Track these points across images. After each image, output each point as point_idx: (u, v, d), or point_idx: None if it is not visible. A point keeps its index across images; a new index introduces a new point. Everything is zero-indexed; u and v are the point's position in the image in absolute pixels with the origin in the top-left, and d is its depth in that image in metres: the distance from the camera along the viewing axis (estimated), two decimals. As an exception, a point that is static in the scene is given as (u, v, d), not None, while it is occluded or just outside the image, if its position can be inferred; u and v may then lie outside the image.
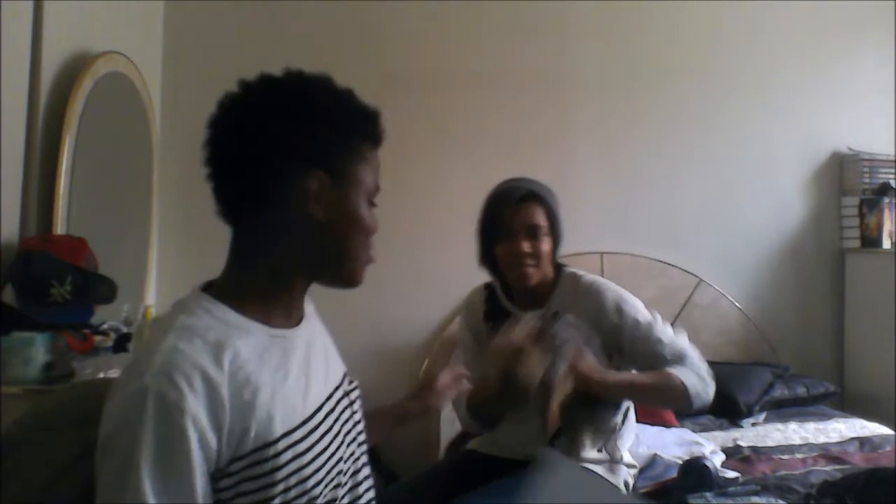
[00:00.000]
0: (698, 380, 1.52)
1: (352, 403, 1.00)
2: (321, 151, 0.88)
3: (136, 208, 2.56)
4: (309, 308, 1.02)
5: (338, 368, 1.03)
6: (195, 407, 0.74)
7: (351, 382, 1.04)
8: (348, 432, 0.96)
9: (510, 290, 1.74)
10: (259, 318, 0.87)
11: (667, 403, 1.63)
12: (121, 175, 2.41)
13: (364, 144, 0.92)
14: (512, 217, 1.64)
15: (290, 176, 0.86)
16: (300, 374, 0.89)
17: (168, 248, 2.76)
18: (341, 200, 0.89)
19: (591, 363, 1.49)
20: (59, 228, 1.88)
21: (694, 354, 1.58)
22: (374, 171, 0.93)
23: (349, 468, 0.95)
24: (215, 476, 0.77)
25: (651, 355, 1.57)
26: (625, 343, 1.59)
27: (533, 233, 1.63)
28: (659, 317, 1.63)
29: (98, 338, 1.76)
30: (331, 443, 0.89)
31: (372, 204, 0.94)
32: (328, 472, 0.87)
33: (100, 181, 2.19)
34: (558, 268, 1.71)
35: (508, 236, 1.64)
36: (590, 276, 1.67)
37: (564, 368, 1.43)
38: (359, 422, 1.01)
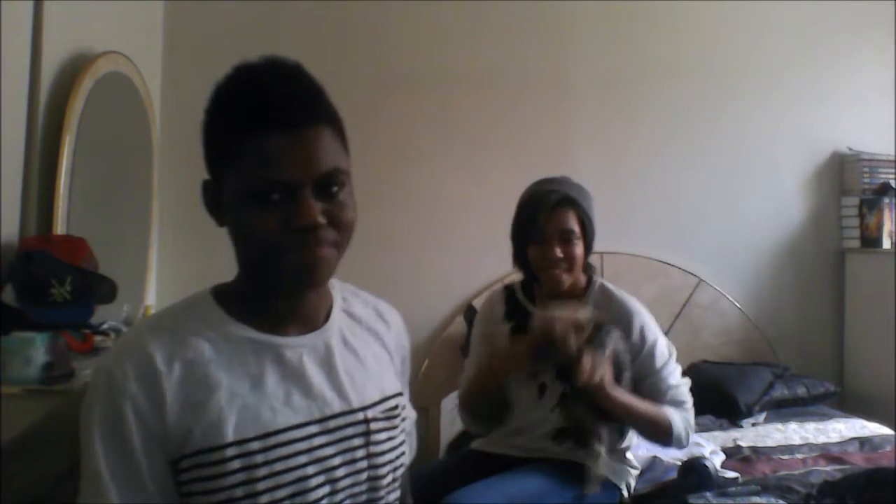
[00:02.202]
0: (685, 427, 1.63)
1: (369, 433, 0.88)
2: (207, 155, 0.86)
3: (136, 208, 2.55)
4: (342, 320, 0.95)
5: (366, 392, 0.90)
6: (135, 390, 0.77)
7: (391, 411, 0.92)
8: (353, 461, 0.86)
9: (532, 290, 1.76)
10: (246, 321, 0.85)
11: (650, 436, 1.67)
12: (121, 175, 2.41)
13: (237, 137, 0.80)
14: (546, 222, 1.65)
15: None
16: (279, 385, 0.83)
17: (168, 248, 2.76)
18: (227, 206, 0.83)
19: (608, 375, 1.52)
20: (59, 228, 1.87)
21: (690, 401, 1.67)
22: (258, 162, 0.78)
23: (346, 499, 0.85)
24: (176, 468, 0.79)
25: (654, 390, 1.64)
26: (635, 367, 1.64)
27: (566, 238, 1.65)
28: (675, 355, 1.70)
29: (98, 338, 1.75)
30: (308, 464, 0.81)
31: (287, 192, 0.79)
32: (294, 495, 0.80)
33: (100, 181, 2.18)
34: (589, 272, 1.75)
35: (541, 240, 1.66)
36: (620, 293, 1.72)
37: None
38: (376, 454, 0.88)
